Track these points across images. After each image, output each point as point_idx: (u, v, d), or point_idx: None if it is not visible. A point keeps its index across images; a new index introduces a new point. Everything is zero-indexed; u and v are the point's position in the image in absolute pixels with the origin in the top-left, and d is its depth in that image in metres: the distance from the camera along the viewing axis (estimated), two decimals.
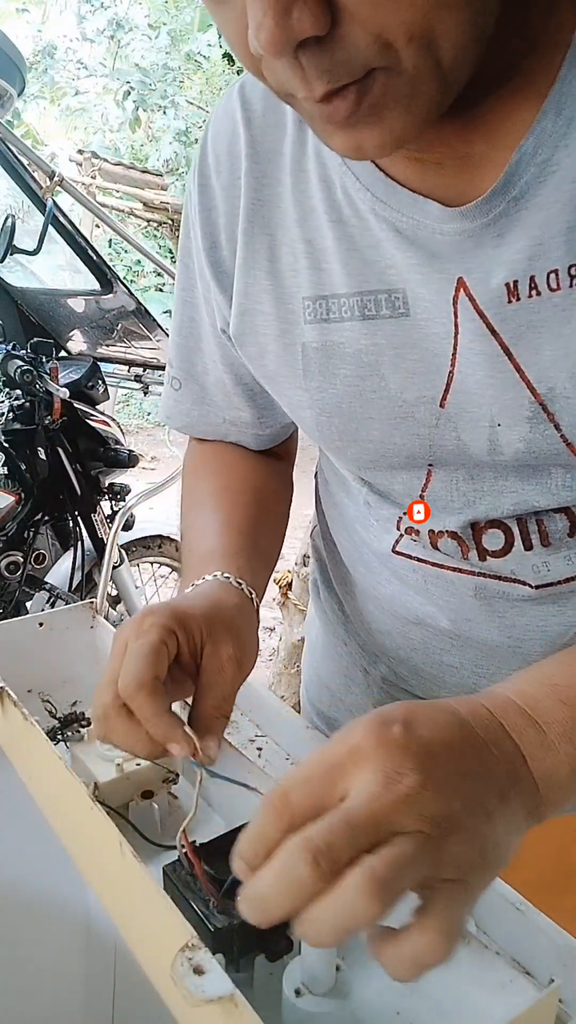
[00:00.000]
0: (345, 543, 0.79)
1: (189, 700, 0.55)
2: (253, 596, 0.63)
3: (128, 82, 9.34)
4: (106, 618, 0.77)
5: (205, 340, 0.74)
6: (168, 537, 2.65)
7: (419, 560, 0.69)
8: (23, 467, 2.11)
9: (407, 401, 0.60)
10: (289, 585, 2.41)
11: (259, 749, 0.65)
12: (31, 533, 2.15)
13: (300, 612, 2.35)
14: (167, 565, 2.74)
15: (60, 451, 2.17)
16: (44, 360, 2.11)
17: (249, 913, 0.37)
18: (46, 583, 2.18)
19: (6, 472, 2.10)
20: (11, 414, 2.11)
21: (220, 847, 0.46)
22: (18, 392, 2.12)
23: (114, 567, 2.26)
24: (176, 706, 0.56)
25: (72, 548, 2.22)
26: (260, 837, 0.38)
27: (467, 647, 0.71)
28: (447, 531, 0.65)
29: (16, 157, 2.44)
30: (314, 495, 0.86)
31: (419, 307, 0.57)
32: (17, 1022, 0.70)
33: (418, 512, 0.65)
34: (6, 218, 2.17)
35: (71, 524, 2.23)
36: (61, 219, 2.51)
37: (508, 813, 0.39)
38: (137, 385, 2.62)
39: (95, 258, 2.65)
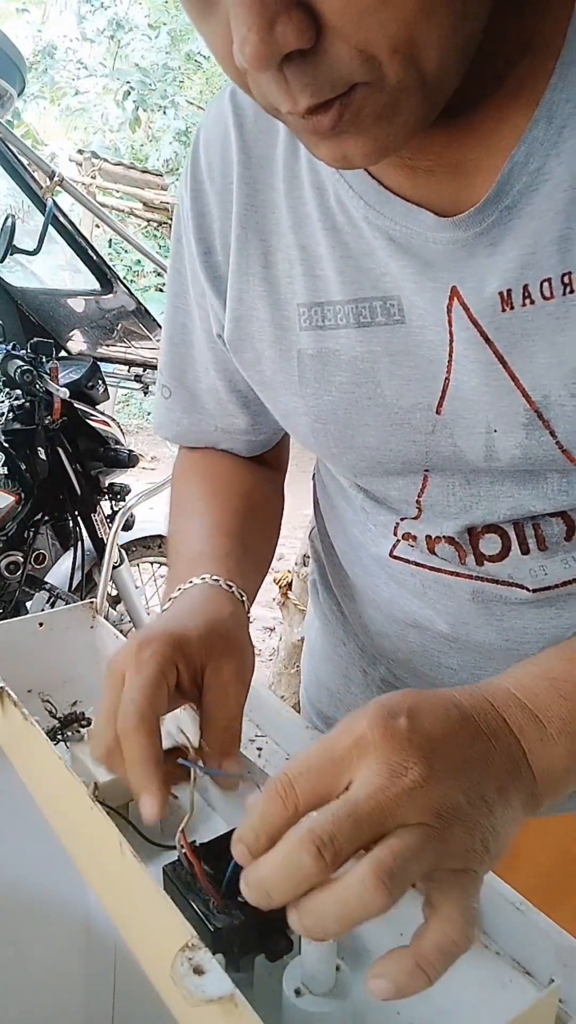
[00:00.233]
0: (343, 546, 0.79)
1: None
2: (244, 599, 0.62)
3: (128, 82, 9.36)
4: (106, 618, 0.77)
5: (197, 347, 0.73)
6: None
7: (417, 564, 0.69)
8: (23, 467, 2.11)
9: (403, 408, 0.59)
10: (289, 585, 2.41)
11: (259, 749, 0.65)
12: (31, 533, 2.15)
13: (300, 612, 2.35)
14: (167, 565, 2.74)
15: (60, 451, 2.17)
16: (44, 360, 2.11)
17: (251, 897, 0.38)
18: (46, 583, 2.18)
19: (6, 472, 2.10)
20: (11, 414, 2.11)
21: (220, 847, 0.46)
22: (18, 392, 2.12)
23: (114, 567, 2.26)
24: (187, 716, 0.56)
25: (72, 548, 2.22)
26: (263, 823, 0.38)
27: (465, 650, 0.71)
28: (444, 536, 0.65)
29: (16, 157, 2.44)
30: (312, 496, 0.86)
31: (414, 314, 0.57)
32: (17, 1022, 0.70)
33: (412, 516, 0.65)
34: (6, 218, 2.17)
35: (71, 524, 2.23)
36: (61, 219, 2.52)
37: (507, 805, 0.40)
38: (137, 385, 2.62)
39: (95, 258, 2.65)
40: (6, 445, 2.09)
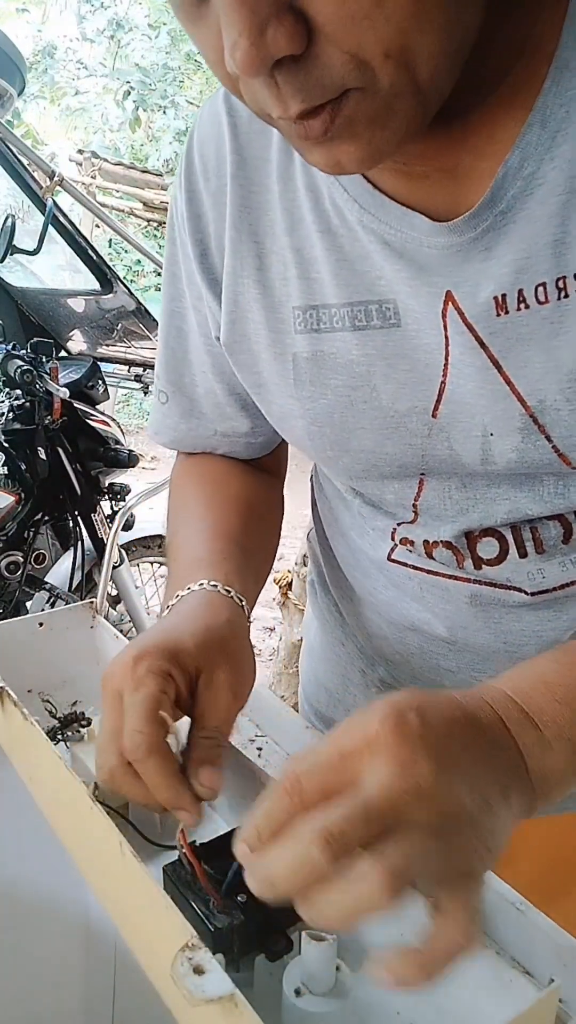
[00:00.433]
0: (341, 550, 0.79)
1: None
2: (243, 603, 0.61)
3: (128, 82, 9.36)
4: (106, 618, 0.77)
5: (194, 351, 0.72)
6: None
7: (415, 568, 0.69)
8: (23, 467, 2.11)
9: (399, 411, 0.59)
10: (289, 585, 2.41)
11: (259, 749, 0.65)
12: (31, 533, 2.15)
13: (300, 612, 2.35)
14: (167, 565, 2.74)
15: (60, 451, 2.17)
16: (44, 360, 2.11)
17: (255, 887, 0.37)
18: (46, 583, 2.18)
19: (6, 472, 2.10)
20: (11, 414, 2.11)
21: (220, 847, 0.46)
22: (18, 392, 2.12)
23: (114, 567, 2.26)
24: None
25: (72, 548, 2.22)
26: (269, 817, 0.38)
27: (464, 653, 0.71)
28: (442, 541, 0.65)
29: (16, 157, 2.44)
30: (310, 499, 0.86)
31: (409, 318, 0.56)
32: (17, 1022, 0.70)
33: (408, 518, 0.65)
34: (6, 218, 2.17)
35: (71, 524, 2.23)
36: (61, 219, 2.52)
37: (507, 806, 0.40)
38: (137, 385, 2.62)
39: (95, 258, 2.65)
40: (6, 445, 2.09)
